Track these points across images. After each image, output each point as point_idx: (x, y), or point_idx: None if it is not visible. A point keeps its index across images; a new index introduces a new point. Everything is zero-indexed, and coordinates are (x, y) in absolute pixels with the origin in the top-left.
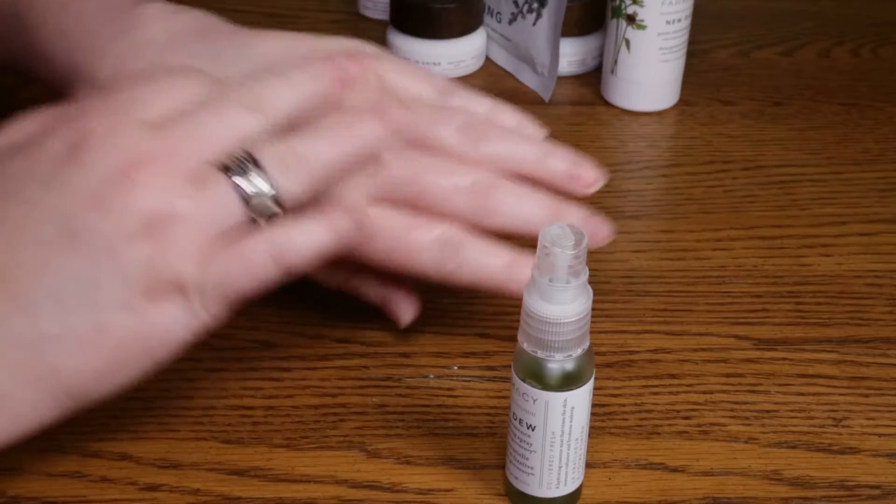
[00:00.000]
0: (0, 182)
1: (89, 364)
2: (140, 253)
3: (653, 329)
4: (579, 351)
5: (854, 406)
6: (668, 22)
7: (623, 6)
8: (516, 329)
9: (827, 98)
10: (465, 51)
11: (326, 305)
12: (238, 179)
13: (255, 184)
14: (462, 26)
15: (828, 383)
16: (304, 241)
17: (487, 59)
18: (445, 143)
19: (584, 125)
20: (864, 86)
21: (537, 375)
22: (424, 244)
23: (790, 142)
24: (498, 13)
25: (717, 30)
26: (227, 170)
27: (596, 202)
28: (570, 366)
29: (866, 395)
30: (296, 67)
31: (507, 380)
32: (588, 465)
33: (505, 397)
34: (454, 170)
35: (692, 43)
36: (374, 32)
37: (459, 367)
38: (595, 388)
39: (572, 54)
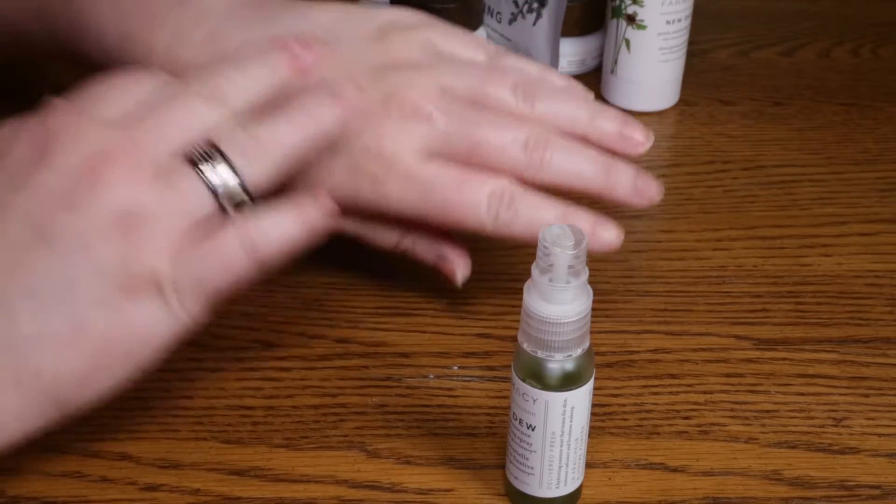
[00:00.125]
0: None
1: (70, 365)
2: (113, 249)
3: (653, 329)
4: (579, 351)
5: (854, 406)
6: (668, 22)
7: (623, 6)
8: (516, 329)
9: (827, 98)
10: None
11: (326, 305)
12: (204, 169)
13: (220, 173)
14: (462, 26)
15: (828, 383)
16: (277, 233)
17: None
18: (500, 101)
19: None
20: (864, 86)
21: (537, 375)
22: (479, 197)
23: (790, 142)
24: (498, 13)
25: (717, 30)
26: (191, 161)
27: (596, 202)
28: (570, 366)
29: (866, 395)
30: (252, 57)
31: (507, 380)
32: (588, 465)
33: (505, 397)
34: (508, 124)
35: (692, 43)
36: None
37: (459, 367)
38: (595, 388)
39: (572, 54)
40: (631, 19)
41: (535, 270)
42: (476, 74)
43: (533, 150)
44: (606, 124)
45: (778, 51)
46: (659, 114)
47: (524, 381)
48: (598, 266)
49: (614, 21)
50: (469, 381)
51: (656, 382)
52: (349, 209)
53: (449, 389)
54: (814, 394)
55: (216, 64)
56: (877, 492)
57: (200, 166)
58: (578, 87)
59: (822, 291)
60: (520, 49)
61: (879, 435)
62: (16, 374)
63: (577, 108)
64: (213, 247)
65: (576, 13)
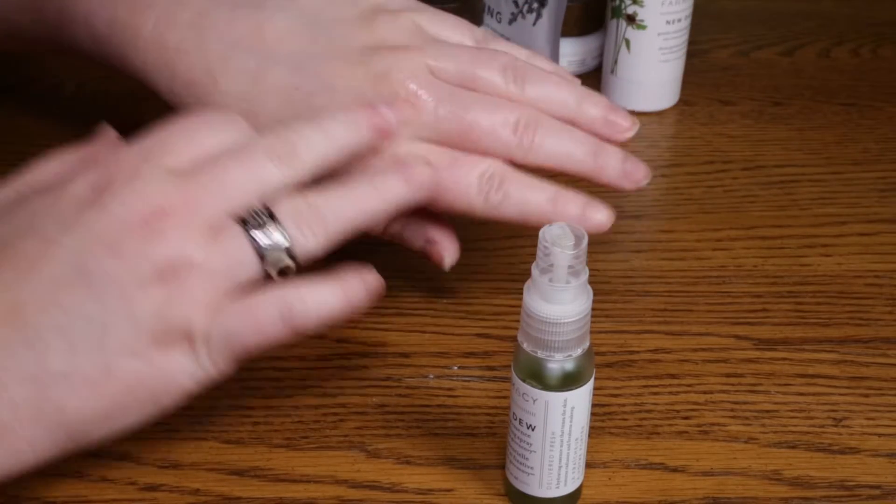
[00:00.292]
0: (21, 218)
1: (93, 405)
2: (152, 300)
3: (653, 329)
4: (579, 351)
5: (854, 406)
6: (668, 22)
7: (623, 6)
8: (516, 329)
9: (827, 98)
10: None
11: None
12: (254, 233)
13: (270, 237)
14: None
15: (828, 383)
16: (315, 305)
17: None
18: (489, 83)
19: None
20: (864, 86)
21: (537, 375)
22: (469, 179)
23: (790, 142)
24: (498, 13)
25: (717, 30)
26: (244, 223)
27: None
28: (570, 366)
29: (866, 395)
30: (334, 116)
31: (507, 380)
32: (588, 465)
33: (505, 397)
34: (498, 106)
35: (692, 43)
36: None
37: (459, 367)
38: (595, 388)
39: (572, 54)
40: (631, 19)
41: (535, 270)
42: (465, 57)
43: (523, 132)
44: (592, 109)
45: (778, 51)
46: (659, 114)
47: (524, 381)
48: (598, 266)
49: (614, 21)
50: (469, 381)
51: (656, 382)
52: None
53: (449, 389)
54: (814, 394)
55: (294, 119)
56: (877, 492)
57: (252, 230)
58: (565, 72)
59: (822, 291)
60: None
61: (879, 435)
62: (38, 406)
63: (565, 91)
64: (250, 307)
65: (576, 13)
